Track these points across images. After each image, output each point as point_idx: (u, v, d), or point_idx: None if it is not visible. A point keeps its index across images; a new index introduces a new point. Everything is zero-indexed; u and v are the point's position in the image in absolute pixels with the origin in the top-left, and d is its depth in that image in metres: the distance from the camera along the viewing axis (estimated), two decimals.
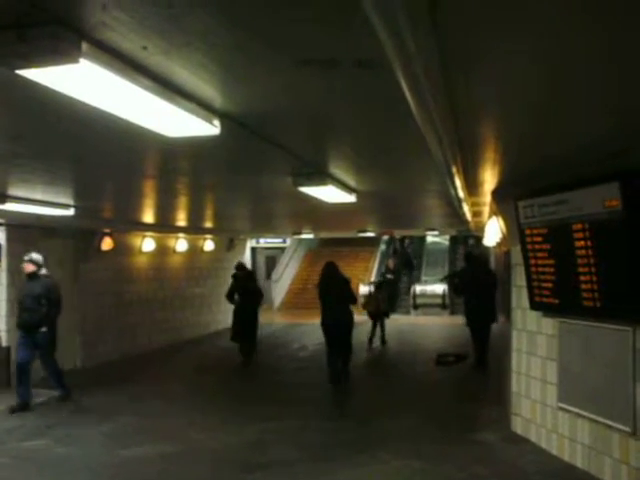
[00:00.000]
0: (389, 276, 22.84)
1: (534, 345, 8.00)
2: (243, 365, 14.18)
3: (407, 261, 24.99)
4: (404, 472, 7.21)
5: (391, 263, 25.06)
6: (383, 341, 16.70)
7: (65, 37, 2.54)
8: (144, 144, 5.04)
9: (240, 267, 15.23)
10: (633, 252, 5.94)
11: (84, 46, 2.62)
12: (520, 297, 8.27)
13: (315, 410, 10.05)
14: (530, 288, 7.67)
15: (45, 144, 5.27)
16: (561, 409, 7.42)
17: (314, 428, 8.97)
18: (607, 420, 6.62)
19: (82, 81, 2.96)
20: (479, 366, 13.05)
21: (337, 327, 11.93)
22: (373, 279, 24.65)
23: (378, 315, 16.41)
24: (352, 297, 12.18)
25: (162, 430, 8.99)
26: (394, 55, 2.53)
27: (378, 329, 16.60)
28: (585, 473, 6.94)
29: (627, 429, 6.31)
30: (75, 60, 2.62)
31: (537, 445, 7.89)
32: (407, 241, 30.61)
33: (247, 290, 14.55)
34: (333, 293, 11.94)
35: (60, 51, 2.55)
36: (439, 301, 21.73)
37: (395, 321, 22.15)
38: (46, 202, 8.90)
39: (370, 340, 16.32)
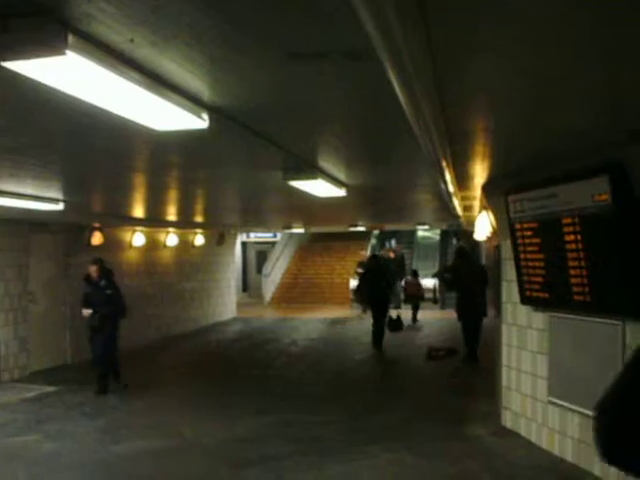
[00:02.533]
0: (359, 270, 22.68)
1: (524, 339, 8.00)
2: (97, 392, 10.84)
3: (400, 263, 24.79)
4: (394, 466, 7.21)
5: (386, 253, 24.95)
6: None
7: (51, 28, 2.52)
8: (133, 138, 5.02)
9: (96, 269, 11.30)
10: (623, 246, 5.94)
11: (70, 38, 2.59)
12: (510, 291, 8.27)
13: (306, 405, 10.04)
14: (520, 282, 7.67)
15: (32, 138, 5.23)
16: (551, 403, 7.43)
17: (305, 423, 8.96)
18: None
19: (69, 73, 2.93)
20: (470, 360, 13.07)
21: (377, 303, 15.43)
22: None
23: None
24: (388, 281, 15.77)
25: (153, 426, 8.97)
26: (382, 48, 2.52)
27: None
28: (575, 466, 6.95)
29: None
30: (61, 52, 2.59)
31: (527, 439, 7.90)
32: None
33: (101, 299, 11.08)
34: (375, 279, 15.45)
35: (45, 43, 2.52)
36: (430, 295, 21.69)
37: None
38: (35, 197, 8.86)
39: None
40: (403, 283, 21.77)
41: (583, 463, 6.87)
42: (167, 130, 4.29)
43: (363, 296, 17.05)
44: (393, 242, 28.41)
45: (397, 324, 16.97)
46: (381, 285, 15.43)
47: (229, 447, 8.00)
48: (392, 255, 23.90)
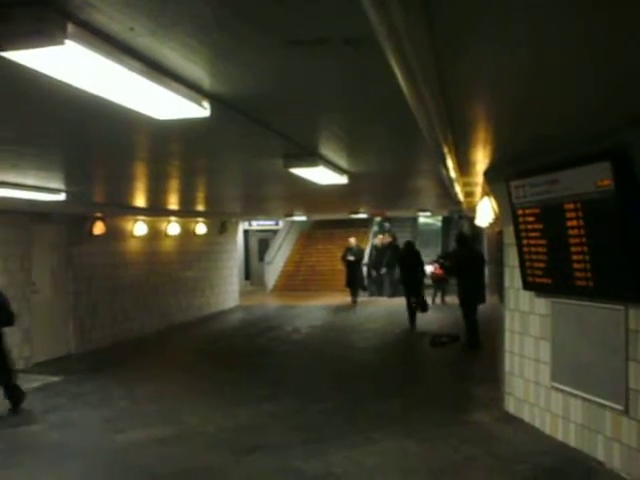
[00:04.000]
0: (350, 258, 22.67)
1: (527, 325, 8.01)
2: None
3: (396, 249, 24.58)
4: (397, 453, 7.22)
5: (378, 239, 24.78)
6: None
7: (49, 18, 2.50)
8: (134, 127, 5.01)
9: None
10: (625, 231, 5.94)
11: (69, 27, 2.58)
12: (513, 277, 8.28)
13: (308, 392, 10.06)
14: (523, 268, 7.67)
15: (33, 128, 5.22)
16: (554, 388, 7.44)
17: (307, 410, 8.98)
18: (599, 399, 6.64)
19: (68, 63, 2.91)
20: (471, 346, 13.08)
21: (409, 283, 17.00)
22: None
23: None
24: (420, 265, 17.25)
25: (157, 414, 9.00)
26: (383, 33, 2.51)
27: None
28: (578, 451, 6.98)
29: (619, 407, 6.33)
30: (60, 42, 2.57)
31: (530, 424, 7.92)
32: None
33: None
34: (407, 263, 17.13)
35: (44, 32, 2.51)
36: (430, 282, 21.65)
37: (387, 302, 22.20)
38: (37, 187, 8.85)
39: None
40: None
41: (586, 448, 6.89)
42: (168, 119, 4.28)
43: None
44: (387, 225, 28.31)
45: (424, 305, 17.31)
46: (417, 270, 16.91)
47: (232, 434, 8.03)
48: (390, 239, 23.77)
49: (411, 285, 16.91)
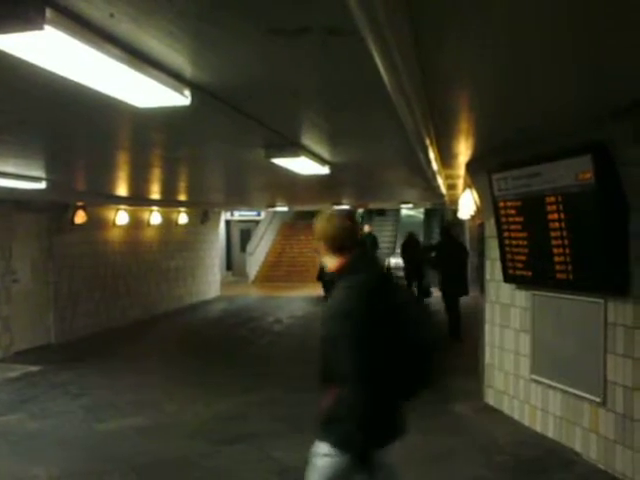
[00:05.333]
0: None
1: (507, 317, 8.05)
2: None
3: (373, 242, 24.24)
4: None
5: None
6: None
7: (28, 2, 2.47)
8: (114, 115, 4.97)
9: None
10: (605, 224, 5.97)
11: (48, 12, 2.54)
12: (494, 270, 8.31)
13: (290, 383, 10.06)
14: (504, 261, 7.70)
15: (11, 115, 5.17)
16: (533, 381, 7.48)
17: (289, 401, 8.99)
18: (578, 391, 6.68)
19: (47, 49, 2.88)
20: (452, 338, 13.12)
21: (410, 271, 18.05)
22: None
23: None
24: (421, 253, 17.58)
25: (137, 404, 8.98)
26: (364, 23, 2.50)
27: None
28: (556, 443, 7.03)
29: (597, 399, 6.38)
30: (39, 27, 2.54)
31: (509, 416, 7.96)
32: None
33: None
34: (409, 252, 18.10)
35: (23, 17, 2.48)
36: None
37: None
38: (17, 175, 8.79)
39: None
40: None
41: (564, 439, 6.95)
42: (149, 107, 4.25)
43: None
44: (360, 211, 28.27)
45: (428, 292, 17.72)
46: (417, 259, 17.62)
47: (213, 425, 8.02)
48: (368, 229, 23.65)
49: (412, 273, 17.87)
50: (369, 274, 3.64)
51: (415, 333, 3.55)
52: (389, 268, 21.28)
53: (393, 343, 3.50)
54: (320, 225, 3.80)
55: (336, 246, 3.71)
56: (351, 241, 3.72)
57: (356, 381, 3.47)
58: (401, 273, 19.76)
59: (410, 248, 18.41)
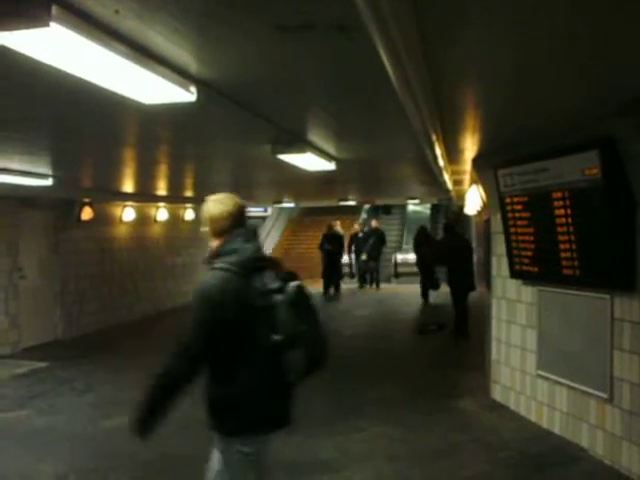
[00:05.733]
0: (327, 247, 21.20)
1: (514, 313, 8.03)
2: None
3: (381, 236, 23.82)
4: (383, 440, 7.25)
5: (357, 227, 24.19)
6: None
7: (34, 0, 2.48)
8: (121, 111, 4.98)
9: None
10: (612, 220, 5.96)
11: (54, 9, 2.55)
12: (500, 265, 8.29)
13: None
14: (510, 256, 7.69)
15: (18, 112, 5.18)
16: (540, 376, 7.47)
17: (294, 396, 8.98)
18: (584, 387, 6.67)
19: (53, 46, 2.89)
20: (459, 334, 13.11)
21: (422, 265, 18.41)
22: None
23: None
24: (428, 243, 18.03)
25: None
26: (370, 19, 2.49)
27: None
28: (562, 439, 7.02)
29: (604, 395, 6.37)
30: (45, 24, 2.55)
31: (516, 412, 7.95)
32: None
33: None
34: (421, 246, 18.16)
35: (29, 14, 2.49)
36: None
37: (374, 291, 22.13)
38: (23, 172, 8.80)
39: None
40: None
41: (570, 435, 6.93)
42: (155, 103, 4.26)
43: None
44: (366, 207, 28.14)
45: (437, 285, 18.09)
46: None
47: None
48: (375, 224, 23.53)
49: (425, 267, 18.22)
50: (243, 259, 3.67)
51: (273, 329, 3.59)
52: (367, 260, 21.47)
53: (253, 332, 3.59)
54: (204, 209, 3.90)
55: (217, 229, 3.80)
56: (233, 225, 3.78)
57: (183, 353, 3.70)
58: (415, 268, 19.86)
59: (422, 242, 18.42)
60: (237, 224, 3.80)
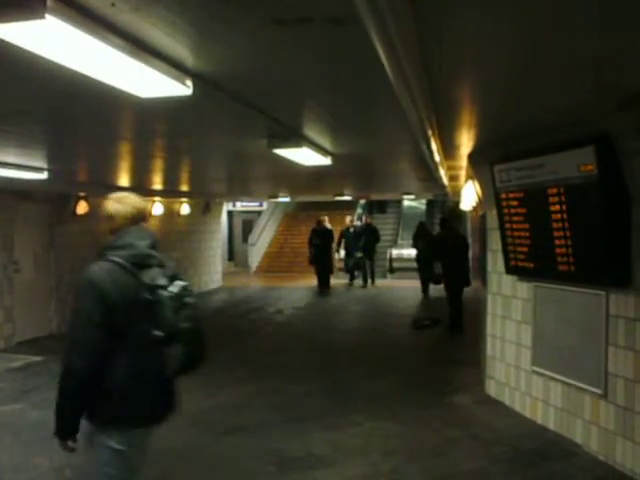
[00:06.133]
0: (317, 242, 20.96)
1: (509, 309, 8.04)
2: None
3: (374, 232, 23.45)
4: (378, 435, 7.25)
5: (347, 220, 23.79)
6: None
7: None
8: (116, 105, 4.96)
9: None
10: (607, 216, 5.96)
11: (49, 1, 2.52)
12: (495, 261, 8.30)
13: (290, 373, 10.08)
14: (505, 252, 7.70)
15: (13, 105, 5.16)
16: (535, 372, 7.49)
17: (289, 391, 9.00)
18: (579, 383, 6.68)
19: (49, 38, 2.87)
20: (454, 330, 13.13)
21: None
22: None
23: None
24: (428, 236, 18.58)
25: None
26: (366, 13, 2.48)
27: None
28: (557, 434, 7.04)
29: (598, 391, 6.38)
30: (41, 16, 2.53)
31: (510, 408, 7.97)
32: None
33: None
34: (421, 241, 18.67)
35: (24, 6, 2.47)
36: (416, 265, 21.44)
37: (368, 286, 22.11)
38: (19, 165, 8.78)
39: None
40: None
41: (565, 431, 6.95)
42: (151, 97, 4.24)
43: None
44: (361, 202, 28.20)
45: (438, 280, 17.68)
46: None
47: (214, 415, 8.04)
48: (366, 220, 23.46)
49: (424, 262, 18.27)
50: (133, 254, 3.77)
51: (155, 324, 3.67)
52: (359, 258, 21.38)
53: (134, 325, 3.67)
54: (104, 206, 4.00)
55: (113, 227, 3.92)
56: (129, 224, 3.92)
57: (79, 349, 3.64)
58: (410, 263, 19.89)
59: (421, 237, 18.74)
60: (134, 223, 3.94)
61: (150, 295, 3.66)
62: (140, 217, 4.01)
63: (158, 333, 3.65)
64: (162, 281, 3.73)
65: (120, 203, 3.96)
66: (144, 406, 3.87)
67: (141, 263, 3.75)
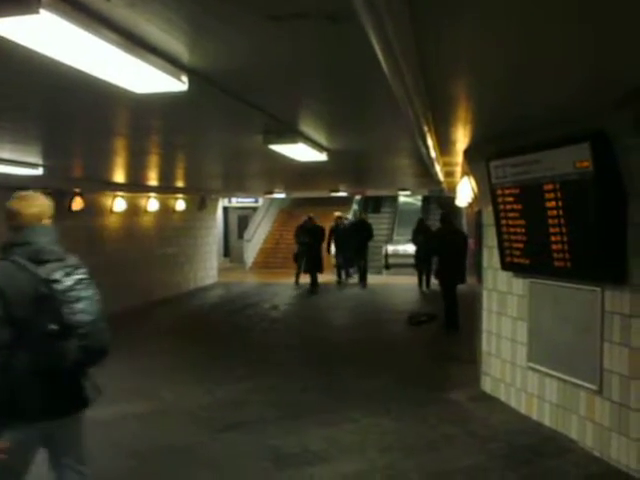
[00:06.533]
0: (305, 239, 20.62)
1: (505, 305, 8.05)
2: None
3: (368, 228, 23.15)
4: (375, 431, 7.25)
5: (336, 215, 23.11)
6: None
7: None
8: (112, 101, 4.96)
9: None
10: (603, 213, 5.96)
11: None
12: (491, 257, 8.30)
13: (287, 370, 10.08)
14: (501, 248, 7.69)
15: (8, 100, 5.15)
16: (530, 368, 7.49)
17: (285, 388, 8.99)
18: (574, 379, 6.69)
19: (43, 33, 2.86)
20: (449, 326, 13.13)
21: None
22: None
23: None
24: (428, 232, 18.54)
25: (135, 390, 8.97)
26: (363, 9, 2.48)
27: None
28: (552, 430, 7.05)
29: (594, 387, 6.39)
30: (35, 11, 2.53)
31: (506, 404, 7.98)
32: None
33: None
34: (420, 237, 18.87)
35: (19, 1, 2.46)
36: (412, 261, 21.38)
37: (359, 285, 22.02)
38: (13, 161, 8.76)
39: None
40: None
41: (560, 427, 6.96)
42: (146, 93, 4.24)
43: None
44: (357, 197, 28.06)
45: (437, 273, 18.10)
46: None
47: (210, 411, 8.03)
48: (359, 216, 23.40)
49: (423, 258, 18.86)
50: (31, 250, 3.83)
51: (51, 318, 3.74)
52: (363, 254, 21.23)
53: (30, 319, 3.71)
54: (9, 204, 3.99)
55: (15, 224, 3.95)
56: (31, 221, 3.94)
57: None
58: (406, 260, 19.91)
59: (421, 233, 18.81)
60: (37, 220, 3.97)
61: (46, 289, 3.73)
62: (43, 215, 4.05)
63: (53, 327, 3.73)
64: (57, 275, 3.80)
65: (25, 201, 4.00)
66: (35, 400, 3.90)
67: (37, 258, 3.81)
